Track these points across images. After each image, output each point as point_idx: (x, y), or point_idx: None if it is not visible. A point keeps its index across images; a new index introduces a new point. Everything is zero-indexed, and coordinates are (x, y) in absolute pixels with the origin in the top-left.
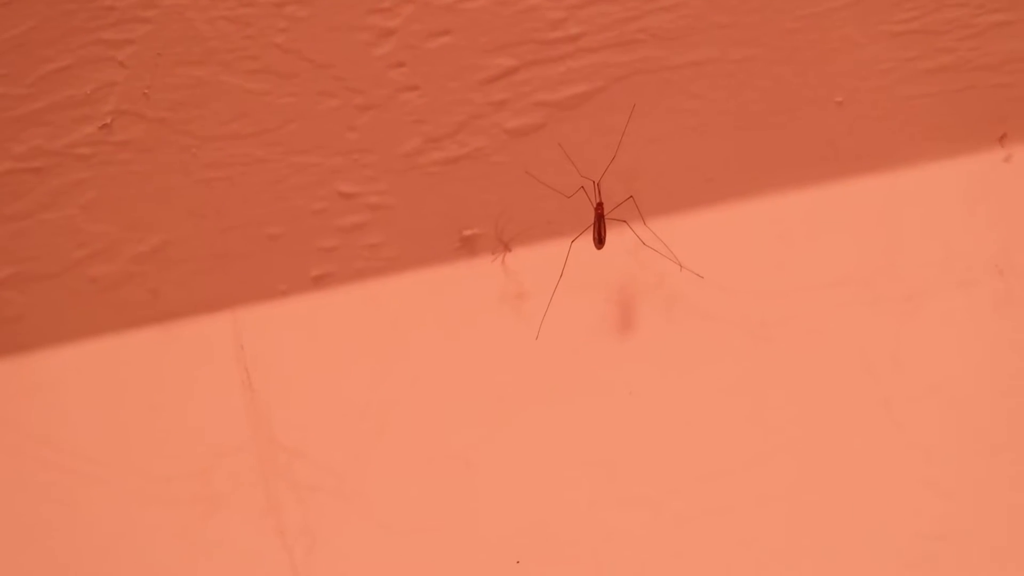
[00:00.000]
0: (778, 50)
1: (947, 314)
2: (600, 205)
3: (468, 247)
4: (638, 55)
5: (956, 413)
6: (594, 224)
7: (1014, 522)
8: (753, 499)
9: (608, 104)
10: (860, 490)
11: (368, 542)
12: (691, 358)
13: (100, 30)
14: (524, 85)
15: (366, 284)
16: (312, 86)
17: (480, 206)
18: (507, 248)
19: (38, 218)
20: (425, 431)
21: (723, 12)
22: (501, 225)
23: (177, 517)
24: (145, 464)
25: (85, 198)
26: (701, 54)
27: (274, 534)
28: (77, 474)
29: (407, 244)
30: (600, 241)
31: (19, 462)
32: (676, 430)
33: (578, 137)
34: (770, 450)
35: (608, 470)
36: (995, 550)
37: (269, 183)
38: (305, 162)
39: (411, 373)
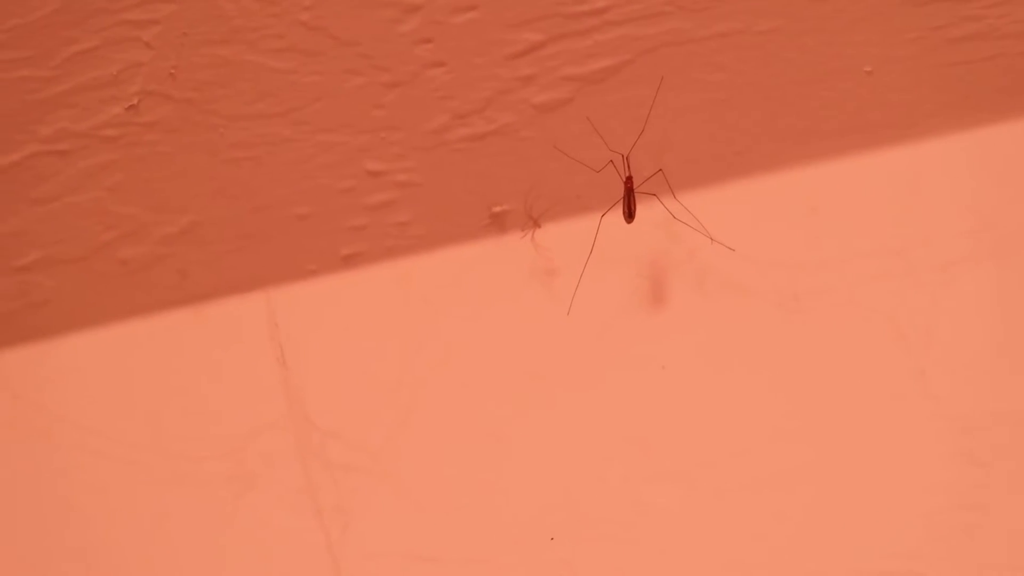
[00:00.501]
0: (804, 20)
1: (981, 284)
2: (629, 179)
3: (497, 224)
4: (664, 27)
5: (990, 384)
6: (624, 198)
7: None
8: (787, 472)
9: (635, 77)
10: (895, 462)
11: (402, 520)
12: (723, 332)
13: (125, 11)
14: (551, 59)
15: (396, 262)
16: (338, 64)
17: (509, 182)
18: (537, 224)
19: (65, 201)
20: (457, 409)
21: None
22: (530, 201)
23: (211, 497)
24: (178, 445)
25: (112, 180)
26: (727, 26)
27: (310, 513)
28: (109, 457)
29: (436, 222)
30: (630, 215)
31: (51, 447)
32: (709, 404)
33: (606, 111)
34: (804, 423)
35: (641, 445)
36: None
37: (296, 162)
38: (332, 141)
39: (442, 351)
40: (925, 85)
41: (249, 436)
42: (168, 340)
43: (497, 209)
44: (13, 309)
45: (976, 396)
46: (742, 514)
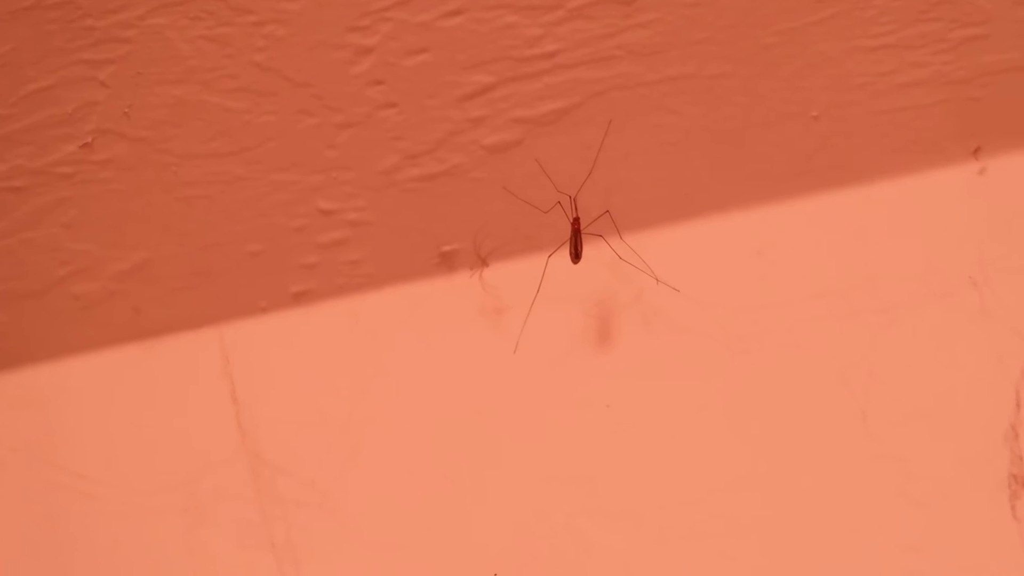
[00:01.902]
0: (754, 65)
1: (923, 327)
2: (577, 220)
3: (447, 262)
4: (615, 71)
5: (931, 425)
6: (571, 239)
7: (989, 533)
8: (730, 512)
9: (585, 119)
10: (837, 502)
11: (351, 556)
12: (669, 372)
13: (81, 50)
14: (502, 102)
15: (346, 300)
16: (291, 104)
17: (458, 222)
18: (485, 263)
19: (20, 237)
20: (405, 445)
21: (699, 28)
22: (479, 240)
23: (164, 529)
24: (131, 478)
25: (67, 216)
26: (677, 70)
27: (263, 548)
28: (63, 488)
29: (386, 260)
30: (577, 256)
31: (4, 477)
32: (654, 443)
33: (555, 153)
34: (747, 463)
35: (586, 483)
36: (971, 561)
37: (249, 201)
38: (285, 180)
39: (391, 388)
40: (872, 130)
41: (202, 470)
42: (121, 375)
43: (446, 248)
44: None
45: (917, 437)
46: (685, 553)
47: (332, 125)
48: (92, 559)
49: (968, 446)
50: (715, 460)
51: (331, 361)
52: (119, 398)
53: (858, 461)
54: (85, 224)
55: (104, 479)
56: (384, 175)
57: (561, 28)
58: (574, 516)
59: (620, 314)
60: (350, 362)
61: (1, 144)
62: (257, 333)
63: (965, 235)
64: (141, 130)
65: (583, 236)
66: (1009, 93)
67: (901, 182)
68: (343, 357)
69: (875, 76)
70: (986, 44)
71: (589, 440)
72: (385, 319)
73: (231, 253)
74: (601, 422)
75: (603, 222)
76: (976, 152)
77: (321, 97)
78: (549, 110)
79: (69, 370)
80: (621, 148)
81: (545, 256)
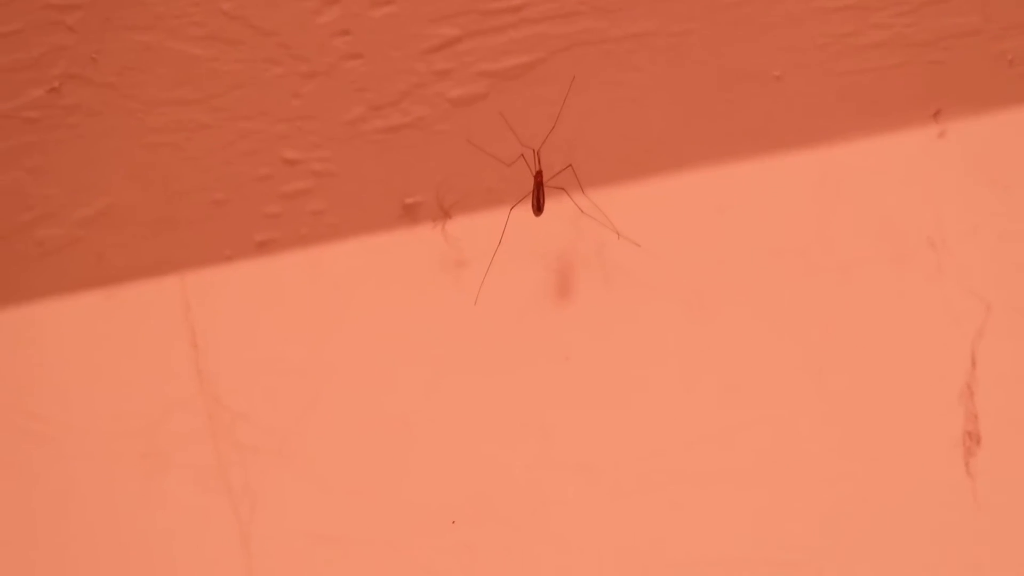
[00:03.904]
0: (717, 24)
1: (880, 286)
2: (539, 173)
3: (410, 215)
4: (579, 27)
5: (888, 383)
6: (533, 192)
7: (944, 489)
8: (685, 465)
9: (549, 75)
10: (792, 458)
11: (309, 502)
12: (628, 326)
13: None
14: (467, 55)
15: (309, 250)
16: (257, 53)
17: (422, 174)
18: (448, 215)
19: None
20: (365, 394)
21: None
22: (442, 193)
23: (123, 474)
24: (91, 423)
25: (32, 161)
26: (641, 27)
27: (220, 493)
28: (25, 432)
29: (350, 211)
30: (539, 208)
31: None
32: (612, 397)
33: (519, 107)
34: (703, 417)
35: (544, 435)
36: (925, 517)
37: (214, 149)
38: (250, 128)
39: (352, 337)
40: (832, 91)
41: (161, 416)
42: (83, 321)
43: (410, 200)
44: None
45: (873, 396)
46: (641, 504)
47: (298, 75)
48: (51, 503)
49: (924, 404)
50: (671, 414)
51: (292, 310)
52: (80, 343)
53: (813, 418)
54: (50, 169)
55: (64, 423)
56: (349, 126)
57: None
58: (531, 467)
59: (581, 268)
60: (311, 311)
61: None
62: (219, 281)
63: (924, 197)
64: (108, 76)
65: (546, 189)
66: (969, 56)
67: (861, 143)
68: (305, 306)
69: (837, 37)
70: (947, 7)
71: (548, 392)
72: (347, 270)
73: (195, 201)
74: (560, 375)
75: (566, 176)
76: (936, 115)
77: (287, 46)
78: (514, 64)
79: (31, 315)
80: (585, 104)
81: (507, 209)
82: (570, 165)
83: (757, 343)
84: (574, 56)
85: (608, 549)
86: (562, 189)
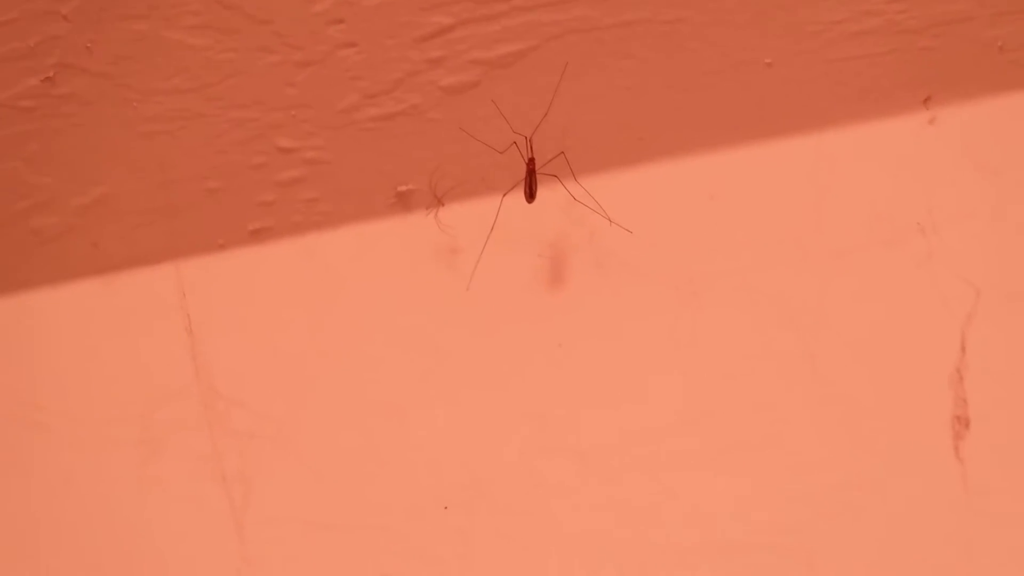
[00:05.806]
0: (709, 12)
1: (871, 272)
2: (532, 160)
3: (403, 202)
4: (571, 14)
5: (878, 367)
6: (525, 179)
7: (933, 472)
8: (678, 451)
9: (542, 63)
10: (784, 443)
11: (302, 488)
12: (620, 312)
13: None
14: (460, 43)
15: (303, 238)
16: (252, 42)
17: (415, 162)
18: (441, 203)
19: None
20: (358, 381)
21: None
22: (435, 180)
23: (118, 460)
24: (87, 410)
25: (28, 150)
26: (633, 14)
27: (214, 479)
28: (21, 419)
29: (343, 199)
30: (531, 195)
31: None
32: (604, 382)
33: (512, 95)
34: (695, 403)
35: (537, 420)
36: (915, 500)
37: (209, 137)
38: (244, 117)
39: (346, 325)
40: (824, 78)
41: (157, 403)
42: (79, 309)
43: (403, 188)
44: None
45: (863, 380)
46: (633, 488)
47: (292, 63)
48: (47, 488)
49: (914, 388)
50: (664, 400)
51: (287, 297)
52: (76, 331)
53: (805, 403)
54: (46, 158)
55: (60, 411)
56: (343, 114)
57: None
58: (524, 452)
59: (573, 254)
60: (305, 299)
61: None
62: (214, 269)
63: (914, 183)
64: (103, 65)
65: (538, 176)
66: (960, 43)
67: (852, 130)
68: (299, 294)
69: (828, 24)
70: None
71: (540, 378)
72: (341, 257)
73: (190, 189)
74: (552, 360)
75: (558, 163)
76: (927, 101)
77: (282, 35)
78: (507, 52)
79: (27, 303)
80: (577, 91)
81: (500, 196)
82: (562, 152)
83: (749, 329)
84: (566, 44)
85: (600, 533)
86: (554, 176)
